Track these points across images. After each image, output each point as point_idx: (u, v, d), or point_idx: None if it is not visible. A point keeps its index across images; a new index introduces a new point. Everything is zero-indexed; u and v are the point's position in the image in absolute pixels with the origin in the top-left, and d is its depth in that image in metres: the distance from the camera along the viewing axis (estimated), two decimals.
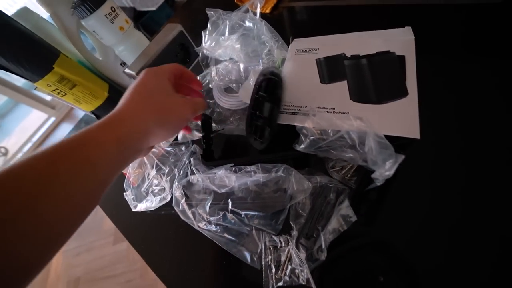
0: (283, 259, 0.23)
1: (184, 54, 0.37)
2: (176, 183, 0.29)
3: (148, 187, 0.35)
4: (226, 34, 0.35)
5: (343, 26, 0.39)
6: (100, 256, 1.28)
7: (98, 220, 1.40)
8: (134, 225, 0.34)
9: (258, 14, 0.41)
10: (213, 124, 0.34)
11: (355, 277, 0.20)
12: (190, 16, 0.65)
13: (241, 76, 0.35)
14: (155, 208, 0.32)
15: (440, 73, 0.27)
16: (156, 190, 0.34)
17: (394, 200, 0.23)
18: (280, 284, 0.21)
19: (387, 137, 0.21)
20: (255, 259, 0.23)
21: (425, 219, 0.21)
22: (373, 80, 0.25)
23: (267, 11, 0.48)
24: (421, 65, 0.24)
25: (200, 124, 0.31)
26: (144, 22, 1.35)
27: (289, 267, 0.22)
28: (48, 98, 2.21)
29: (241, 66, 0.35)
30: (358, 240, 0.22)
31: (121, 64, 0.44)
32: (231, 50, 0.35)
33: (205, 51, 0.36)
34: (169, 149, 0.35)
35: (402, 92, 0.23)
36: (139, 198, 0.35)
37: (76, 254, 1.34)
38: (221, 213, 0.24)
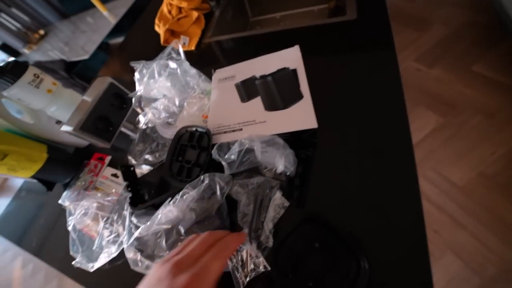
0: (244, 257, 0.26)
1: (120, 102, 0.40)
2: (125, 247, 0.29)
3: (101, 242, 0.34)
4: (156, 77, 0.40)
5: (251, 51, 0.47)
6: None
7: None
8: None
9: (182, 54, 0.47)
10: (150, 158, 0.37)
11: (298, 249, 0.25)
12: (126, 58, 0.68)
13: (175, 112, 0.39)
14: (116, 254, 0.32)
15: (323, 75, 0.35)
16: (111, 239, 0.33)
17: (316, 180, 0.29)
18: (248, 279, 0.25)
19: (296, 133, 0.28)
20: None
21: (340, 190, 0.27)
22: (278, 92, 0.32)
23: (193, 47, 0.55)
24: (309, 73, 0.32)
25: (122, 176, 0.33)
26: (79, 71, 1.31)
27: (251, 261, 0.25)
28: None
29: (176, 100, 0.39)
30: (295, 222, 0.26)
31: (56, 123, 0.44)
32: (164, 89, 0.40)
33: (140, 94, 0.39)
34: (109, 198, 0.36)
35: (299, 96, 0.30)
36: (93, 257, 0.34)
37: None
38: (177, 241, 0.26)
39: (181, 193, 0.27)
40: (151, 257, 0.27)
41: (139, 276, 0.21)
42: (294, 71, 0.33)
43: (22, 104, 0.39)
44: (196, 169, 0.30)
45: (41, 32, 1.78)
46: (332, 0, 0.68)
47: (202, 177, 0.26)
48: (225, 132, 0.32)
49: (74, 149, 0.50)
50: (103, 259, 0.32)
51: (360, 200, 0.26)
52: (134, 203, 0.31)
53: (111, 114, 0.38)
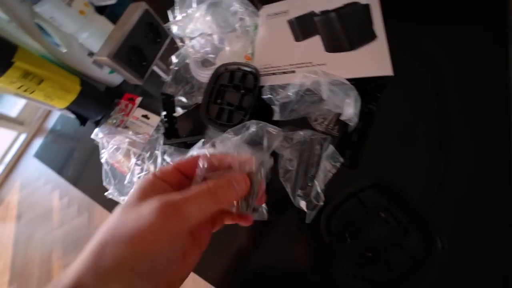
0: None
1: (154, 34, 0.36)
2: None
3: (132, 178, 0.34)
4: (194, 5, 0.34)
5: None
6: None
7: (94, 230, 1.36)
8: None
9: None
10: (184, 99, 0.34)
11: (358, 216, 0.22)
12: None
13: (216, 47, 0.35)
14: None
15: (404, 16, 0.28)
16: (142, 176, 0.33)
17: (375, 139, 0.24)
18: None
19: (364, 79, 0.23)
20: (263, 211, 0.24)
21: (405, 155, 0.23)
22: (344, 30, 0.26)
23: None
24: (386, 11, 0.25)
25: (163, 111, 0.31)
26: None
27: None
28: (13, 113, 2.04)
29: (215, 37, 0.35)
30: (349, 183, 0.23)
31: (88, 55, 0.42)
32: (202, 24, 0.35)
33: (175, 28, 0.35)
34: (140, 135, 0.35)
35: (371, 36, 0.24)
36: (124, 191, 0.34)
37: None
38: None
39: (220, 137, 0.24)
40: None
41: None
42: (367, 7, 0.26)
43: (54, 26, 0.37)
44: (239, 113, 0.27)
45: None
46: None
47: (247, 123, 0.23)
48: (274, 74, 0.28)
49: (105, 88, 0.49)
50: None
51: (432, 172, 0.21)
52: (168, 136, 0.30)
53: (145, 46, 0.35)
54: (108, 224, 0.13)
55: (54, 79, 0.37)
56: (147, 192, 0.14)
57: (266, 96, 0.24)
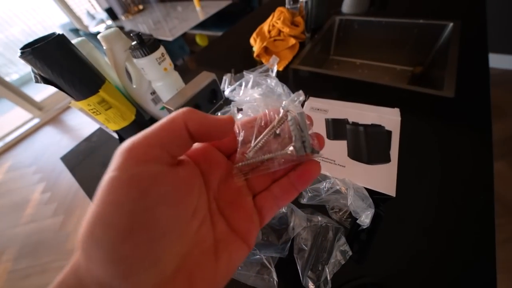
0: None
1: (213, 96, 0.45)
2: None
3: None
4: (249, 86, 0.44)
5: (337, 92, 0.49)
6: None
7: (62, 237, 1.26)
8: None
9: (274, 72, 0.51)
10: None
11: None
12: (212, 57, 0.76)
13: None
14: None
15: (416, 149, 0.36)
16: None
17: (380, 240, 0.29)
18: None
19: (370, 190, 0.28)
20: (273, 283, 0.26)
21: (405, 258, 0.27)
22: (366, 145, 0.33)
23: (280, 69, 0.59)
24: (403, 141, 0.33)
25: None
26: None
27: None
28: (37, 98, 2.14)
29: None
30: (356, 282, 0.26)
31: (151, 93, 0.50)
32: (251, 98, 0.43)
33: (228, 92, 0.44)
34: None
35: (386, 159, 0.31)
36: None
37: (25, 276, 1.17)
38: None
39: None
40: None
41: None
42: (389, 133, 0.34)
43: (138, 71, 0.46)
44: None
45: (140, 7, 2.05)
46: (419, 66, 0.69)
47: None
48: None
49: (149, 117, 0.56)
50: None
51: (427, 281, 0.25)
52: None
53: (203, 104, 0.43)
54: None
55: (119, 108, 0.44)
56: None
57: None
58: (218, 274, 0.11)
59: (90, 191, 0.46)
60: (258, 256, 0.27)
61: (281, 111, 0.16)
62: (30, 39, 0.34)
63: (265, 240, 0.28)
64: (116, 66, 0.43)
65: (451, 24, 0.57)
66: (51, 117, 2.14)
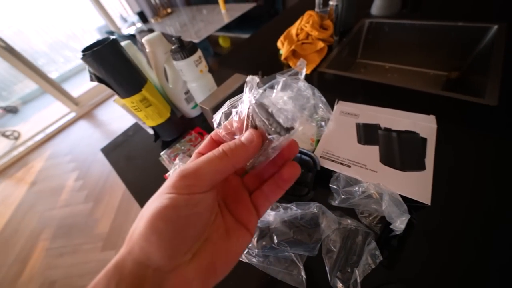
0: None
1: None
2: None
3: None
4: (279, 88, 0.45)
5: (367, 97, 0.48)
6: (84, 261, 1.22)
7: (92, 222, 1.37)
8: None
9: (303, 75, 0.52)
10: None
11: None
12: (240, 59, 0.78)
13: (286, 123, 0.43)
14: None
15: (452, 157, 0.35)
16: None
17: (411, 248, 0.28)
18: None
19: (404, 197, 0.28)
20: (302, 280, 0.27)
21: (436, 267, 0.26)
22: (400, 152, 0.32)
23: (308, 72, 0.59)
24: (439, 148, 0.32)
25: None
26: None
27: None
28: (75, 94, 2.35)
29: (289, 115, 0.44)
30: (389, 285, 0.26)
31: (185, 93, 0.53)
32: (281, 101, 0.45)
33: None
34: None
35: (421, 167, 0.30)
36: None
37: (59, 255, 1.29)
38: (268, 245, 0.29)
39: (284, 205, 0.30)
40: None
41: None
42: (424, 140, 0.33)
43: (175, 72, 0.50)
44: (303, 188, 0.33)
45: (169, 10, 2.16)
46: (455, 71, 0.66)
47: (312, 204, 0.29)
48: (332, 161, 0.34)
49: (181, 115, 0.60)
50: None
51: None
52: None
53: None
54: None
55: (157, 105, 0.47)
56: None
57: (333, 185, 0.29)
58: (230, 251, 0.16)
59: (126, 180, 0.50)
60: (287, 253, 0.29)
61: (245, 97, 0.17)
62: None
63: (295, 238, 0.29)
64: (156, 67, 0.47)
65: (495, 27, 0.54)
66: (85, 112, 2.33)
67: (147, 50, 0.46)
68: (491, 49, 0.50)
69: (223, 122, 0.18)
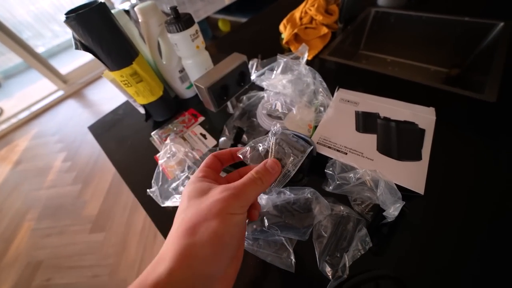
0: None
1: (241, 79, 0.44)
2: None
3: (177, 186, 0.38)
4: (279, 71, 0.43)
5: (366, 86, 0.47)
6: (71, 242, 1.21)
7: (80, 204, 1.35)
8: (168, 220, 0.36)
9: (304, 61, 0.50)
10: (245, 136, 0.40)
11: None
12: (241, 40, 0.75)
13: (286, 107, 0.42)
14: None
15: (449, 150, 0.34)
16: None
17: (401, 236, 0.28)
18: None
19: (398, 186, 0.28)
20: (291, 263, 0.27)
21: (425, 256, 0.26)
22: (397, 141, 0.32)
23: (309, 58, 0.57)
24: (436, 140, 0.31)
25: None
26: None
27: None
28: (63, 71, 2.23)
29: (288, 99, 0.42)
30: (376, 272, 0.26)
31: (179, 71, 0.50)
32: (280, 85, 0.43)
33: (255, 77, 0.43)
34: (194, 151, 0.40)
35: (417, 157, 0.30)
36: (164, 196, 0.37)
37: (46, 235, 1.27)
38: (258, 228, 0.28)
39: (277, 190, 0.29)
40: None
41: None
42: (422, 131, 0.32)
43: (169, 47, 0.47)
44: (297, 173, 0.31)
45: None
46: (455, 68, 0.65)
47: (307, 190, 0.28)
48: (329, 147, 0.34)
49: (175, 95, 0.57)
50: (175, 202, 0.36)
51: (449, 273, 0.25)
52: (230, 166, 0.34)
53: (231, 86, 0.43)
54: (190, 211, 0.17)
55: (149, 82, 0.45)
56: (208, 171, 0.21)
57: (328, 171, 0.29)
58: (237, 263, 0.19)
59: (115, 161, 0.48)
60: (278, 237, 0.28)
61: (270, 135, 0.25)
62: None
63: (286, 222, 0.28)
64: (149, 40, 0.44)
65: (501, 24, 0.53)
66: (74, 91, 2.23)
67: (140, 20, 0.43)
68: (495, 46, 0.50)
69: (248, 154, 0.24)
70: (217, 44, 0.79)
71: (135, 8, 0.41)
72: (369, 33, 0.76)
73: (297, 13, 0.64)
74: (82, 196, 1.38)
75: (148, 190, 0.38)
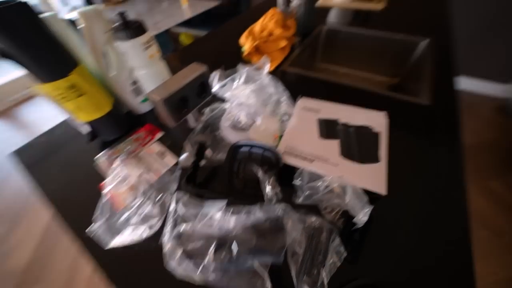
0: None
1: (201, 90, 0.42)
2: (166, 236, 0.27)
3: (129, 217, 0.32)
4: (241, 81, 0.42)
5: (325, 95, 0.50)
6: None
7: (1, 253, 1.06)
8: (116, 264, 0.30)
9: (266, 71, 0.50)
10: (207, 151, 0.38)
11: None
12: (200, 53, 0.73)
13: (250, 118, 0.41)
14: (140, 239, 0.30)
15: (400, 149, 0.37)
16: (141, 218, 0.31)
17: (372, 240, 0.28)
18: None
19: (363, 189, 0.28)
20: None
21: (397, 256, 0.27)
22: (358, 146, 0.33)
23: (270, 69, 0.59)
24: (390, 141, 0.34)
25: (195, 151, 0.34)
26: None
27: None
28: None
29: (252, 109, 0.41)
30: (354, 283, 0.25)
31: (131, 84, 0.45)
32: (243, 95, 0.42)
33: (218, 87, 0.41)
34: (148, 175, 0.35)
35: (375, 159, 0.32)
36: (114, 231, 0.31)
37: None
38: (228, 257, 0.25)
39: (245, 210, 0.27)
40: (190, 256, 0.26)
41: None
42: (376, 134, 0.34)
43: (117, 55, 0.42)
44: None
45: None
46: (395, 78, 0.75)
47: (278, 207, 0.26)
48: (295, 156, 0.33)
49: (127, 111, 0.51)
50: (127, 237, 0.30)
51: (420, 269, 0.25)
52: (188, 180, 0.31)
53: (190, 98, 0.40)
54: None
55: (93, 95, 0.39)
56: None
57: (298, 184, 0.28)
58: None
59: (50, 194, 0.39)
60: (250, 264, 0.25)
61: None
62: None
63: (258, 246, 0.26)
64: (93, 48, 0.39)
65: (427, 40, 0.63)
66: (1, 110, 1.86)
67: (82, 25, 0.37)
68: (424, 58, 0.58)
69: None
70: (178, 56, 0.76)
71: (77, 12, 0.36)
72: (323, 47, 0.82)
73: (257, 26, 0.66)
74: (5, 243, 1.10)
75: (87, 230, 0.31)
